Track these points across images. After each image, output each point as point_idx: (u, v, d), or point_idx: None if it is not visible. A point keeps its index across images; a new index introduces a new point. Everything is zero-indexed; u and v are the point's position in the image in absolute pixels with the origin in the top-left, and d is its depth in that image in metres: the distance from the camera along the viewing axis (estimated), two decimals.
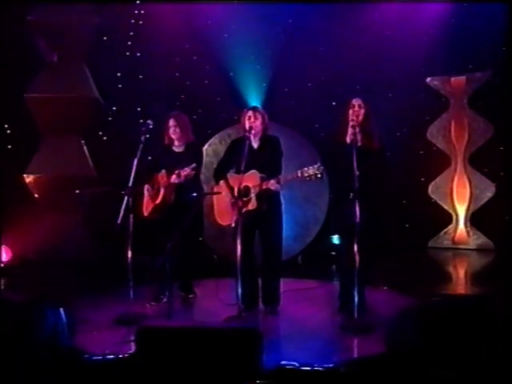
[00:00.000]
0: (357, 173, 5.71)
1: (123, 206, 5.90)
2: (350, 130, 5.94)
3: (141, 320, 5.84)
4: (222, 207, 6.24)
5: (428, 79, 9.90)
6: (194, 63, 9.78)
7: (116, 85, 9.36)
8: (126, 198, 5.93)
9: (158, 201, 6.54)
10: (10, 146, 8.77)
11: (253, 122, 6.19)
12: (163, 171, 6.54)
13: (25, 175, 8.42)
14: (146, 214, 6.66)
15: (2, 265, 8.21)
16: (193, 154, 6.60)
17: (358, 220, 5.64)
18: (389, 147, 9.65)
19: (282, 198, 6.41)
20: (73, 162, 8.43)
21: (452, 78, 9.79)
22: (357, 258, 5.71)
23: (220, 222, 6.26)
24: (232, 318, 5.84)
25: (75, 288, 7.07)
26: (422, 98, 9.81)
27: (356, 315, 5.70)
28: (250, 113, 6.24)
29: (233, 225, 5.78)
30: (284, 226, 6.45)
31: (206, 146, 8.65)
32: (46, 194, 8.49)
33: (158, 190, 6.55)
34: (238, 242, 5.80)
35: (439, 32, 9.34)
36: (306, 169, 5.74)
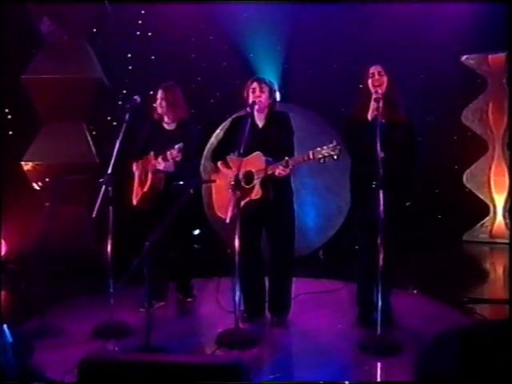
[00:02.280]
0: (381, 155, 4.26)
1: (100, 197, 4.51)
2: (372, 105, 4.48)
3: (120, 332, 4.51)
4: (221, 197, 4.81)
5: (463, 58, 8.23)
6: (211, 44, 8.28)
7: (126, 67, 7.93)
8: (103, 187, 4.54)
9: (145, 188, 5.16)
10: (10, 132, 7.43)
11: (257, 96, 4.74)
12: (151, 153, 5.14)
13: (23, 163, 7.06)
14: (135, 202, 5.26)
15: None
16: (184, 132, 5.19)
17: (382, 214, 4.15)
18: (420, 132, 8.24)
19: (292, 186, 4.93)
20: (74, 148, 7.04)
21: (490, 56, 8.11)
22: (381, 257, 4.26)
23: (220, 215, 4.80)
24: (227, 333, 4.41)
25: (63, 289, 5.76)
26: (457, 78, 8.13)
27: (379, 330, 4.21)
28: (255, 84, 4.80)
29: (227, 220, 4.30)
30: (295, 218, 4.98)
31: (217, 131, 7.21)
32: (45, 183, 7.11)
33: (146, 176, 5.14)
34: (236, 238, 4.36)
35: (474, 5, 7.70)
36: (318, 149, 4.32)
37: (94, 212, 4.50)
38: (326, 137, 7.00)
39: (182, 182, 4.72)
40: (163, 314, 5.14)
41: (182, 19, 7.83)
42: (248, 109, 4.63)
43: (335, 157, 4.26)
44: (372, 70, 4.65)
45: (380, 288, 4.32)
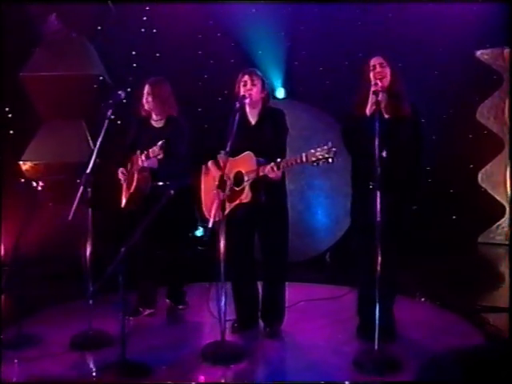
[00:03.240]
0: (383, 154, 3.77)
1: (77, 198, 4.06)
2: (371, 98, 3.96)
3: (100, 343, 4.06)
4: (209, 198, 4.31)
5: (478, 52, 7.66)
6: (218, 41, 7.79)
7: (130, 64, 7.48)
8: (81, 187, 4.09)
9: (132, 189, 4.69)
10: (11, 132, 7.02)
11: (249, 90, 4.26)
12: (138, 152, 4.67)
13: (21, 162, 6.66)
14: (123, 204, 4.81)
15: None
16: (173, 129, 4.72)
17: (378, 218, 3.63)
18: (434, 130, 7.73)
19: (286, 188, 4.44)
20: (73, 147, 6.61)
21: (505, 50, 7.54)
22: (379, 263, 3.77)
23: (208, 217, 4.28)
24: (212, 346, 3.92)
25: (53, 293, 5.35)
26: (471, 74, 7.55)
27: (377, 344, 3.69)
28: (246, 77, 4.32)
29: (209, 224, 3.81)
30: (289, 223, 4.44)
31: None
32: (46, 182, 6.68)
33: (133, 176, 4.68)
34: (221, 242, 3.88)
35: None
36: (312, 151, 3.82)
37: (71, 214, 4.04)
38: (333, 135, 6.53)
39: (161, 183, 4.27)
40: (150, 322, 4.68)
41: (188, 16, 7.39)
42: (237, 103, 4.12)
43: (330, 160, 3.75)
44: (373, 61, 4.13)
45: (379, 297, 3.81)
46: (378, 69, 4.08)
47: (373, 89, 3.96)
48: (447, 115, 7.76)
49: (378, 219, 3.64)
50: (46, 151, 6.68)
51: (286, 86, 7.36)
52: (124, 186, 4.81)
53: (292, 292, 5.09)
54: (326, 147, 3.75)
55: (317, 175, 6.67)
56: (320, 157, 3.76)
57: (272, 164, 3.96)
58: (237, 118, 4.02)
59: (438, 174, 7.61)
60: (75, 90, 6.64)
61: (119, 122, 7.19)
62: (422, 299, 5.20)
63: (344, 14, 7.55)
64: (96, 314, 4.24)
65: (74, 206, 4.07)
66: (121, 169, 4.79)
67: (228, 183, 4.22)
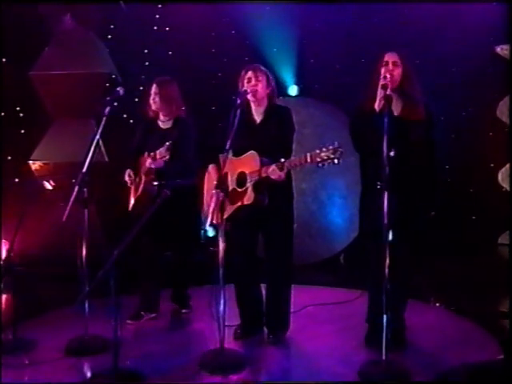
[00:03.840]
0: (391, 153, 3.46)
1: (72, 198, 3.85)
2: (379, 93, 3.66)
3: (96, 348, 3.84)
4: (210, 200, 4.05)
5: (497, 48, 7.24)
6: (232, 38, 7.50)
7: (142, 62, 7.24)
8: (76, 188, 3.87)
9: (139, 192, 4.45)
10: (23, 131, 6.85)
11: (253, 86, 4.00)
12: (146, 153, 4.43)
13: (30, 162, 6.47)
14: (130, 207, 4.58)
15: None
16: (181, 130, 4.48)
17: (386, 220, 3.34)
18: (453, 129, 7.39)
19: (293, 189, 4.17)
20: (83, 146, 6.36)
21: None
22: (386, 268, 3.48)
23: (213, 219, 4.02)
24: (211, 354, 3.67)
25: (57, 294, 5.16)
26: (491, 70, 7.16)
27: (384, 354, 3.41)
28: (250, 73, 4.07)
29: (206, 226, 3.55)
30: (298, 224, 4.24)
31: None
32: (57, 182, 6.49)
33: (140, 178, 4.45)
34: (220, 245, 3.63)
35: None
36: (317, 151, 3.55)
37: (65, 215, 3.82)
38: (347, 132, 6.26)
39: (156, 183, 4.04)
40: (152, 327, 4.44)
41: (201, 13, 7.11)
42: (238, 99, 3.86)
43: (336, 161, 3.47)
44: (387, 57, 3.85)
45: (388, 303, 3.53)
46: (391, 66, 3.80)
47: (381, 82, 3.67)
48: (466, 113, 7.41)
49: (385, 221, 3.34)
50: (56, 151, 6.48)
51: (299, 83, 7.05)
52: (132, 189, 4.59)
53: (300, 296, 4.84)
54: (331, 147, 3.48)
55: (331, 174, 6.38)
56: (325, 157, 3.48)
57: (274, 165, 3.70)
58: (238, 114, 3.76)
59: (457, 174, 7.27)
60: (85, 89, 6.42)
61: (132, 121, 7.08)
62: (437, 304, 4.89)
63: (360, 11, 7.24)
64: (95, 317, 4.01)
65: (69, 206, 3.84)
66: (128, 171, 4.57)
67: (230, 184, 3.98)
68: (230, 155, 3.93)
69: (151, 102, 4.55)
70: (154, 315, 4.55)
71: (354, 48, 7.13)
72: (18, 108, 6.88)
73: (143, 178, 4.43)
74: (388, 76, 3.71)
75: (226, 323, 4.12)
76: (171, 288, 4.76)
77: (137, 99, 7.17)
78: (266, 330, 4.15)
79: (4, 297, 5.52)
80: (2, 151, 6.55)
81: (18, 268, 6.18)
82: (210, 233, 6.72)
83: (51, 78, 6.45)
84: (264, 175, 3.75)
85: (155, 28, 7.35)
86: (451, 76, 7.09)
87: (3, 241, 6.33)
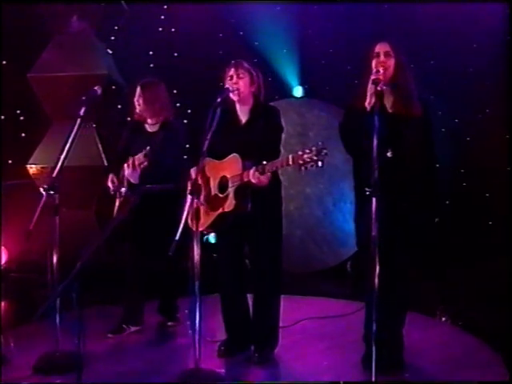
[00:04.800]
0: (388, 154, 3.22)
1: (40, 204, 3.49)
2: (369, 88, 3.23)
3: (66, 366, 3.45)
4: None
5: None
6: (240, 40, 7.10)
7: (147, 64, 6.88)
8: (44, 193, 3.52)
9: (121, 198, 4.06)
10: (23, 135, 6.54)
11: (235, 84, 3.57)
12: (130, 158, 4.06)
13: (28, 166, 6.15)
14: (114, 214, 4.21)
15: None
16: (166, 134, 4.10)
17: (374, 231, 2.89)
18: (468, 132, 6.88)
19: (282, 194, 3.73)
20: (81, 150, 6.01)
21: None
22: (375, 276, 3.02)
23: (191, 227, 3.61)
24: (186, 374, 3.27)
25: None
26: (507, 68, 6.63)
27: (374, 376, 2.97)
28: (232, 71, 3.64)
29: (176, 237, 3.12)
30: (283, 234, 3.72)
31: None
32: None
33: (122, 184, 4.07)
34: (196, 253, 3.22)
35: None
36: (300, 153, 3.12)
37: (32, 223, 3.46)
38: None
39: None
40: (134, 341, 4.05)
41: (208, 14, 6.75)
42: (218, 98, 3.44)
43: (319, 163, 3.05)
44: (377, 48, 3.40)
45: (384, 320, 3.14)
46: (382, 58, 3.35)
47: (373, 77, 3.23)
48: (482, 114, 6.88)
49: (374, 233, 2.89)
50: (54, 154, 6.13)
51: (304, 84, 6.62)
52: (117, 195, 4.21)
53: (299, 308, 4.46)
54: (314, 148, 3.05)
55: (337, 178, 5.95)
56: (307, 160, 3.06)
57: (254, 168, 3.28)
58: (217, 114, 3.35)
59: (472, 178, 6.76)
60: (81, 91, 6.07)
61: None
62: (443, 319, 4.41)
63: (368, 10, 6.78)
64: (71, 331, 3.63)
65: (37, 213, 3.48)
66: (110, 176, 4.19)
67: (213, 189, 3.58)
68: (210, 159, 3.55)
69: (136, 104, 4.17)
70: (137, 328, 4.16)
71: (362, 48, 6.67)
72: (18, 111, 6.59)
73: (125, 183, 4.05)
74: (381, 70, 3.27)
75: (216, 338, 3.79)
76: (158, 299, 4.37)
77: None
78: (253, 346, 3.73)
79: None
80: (1, 154, 6.23)
81: (14, 274, 5.98)
82: (212, 239, 6.33)
83: (49, 80, 6.13)
84: (246, 180, 3.35)
85: (160, 29, 7.00)
86: (466, 77, 6.60)
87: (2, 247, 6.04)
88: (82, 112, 3.75)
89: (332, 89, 6.52)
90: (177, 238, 3.04)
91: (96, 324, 4.08)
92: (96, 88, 3.86)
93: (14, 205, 5.89)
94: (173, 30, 7.01)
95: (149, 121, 4.21)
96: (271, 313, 3.68)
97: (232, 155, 3.48)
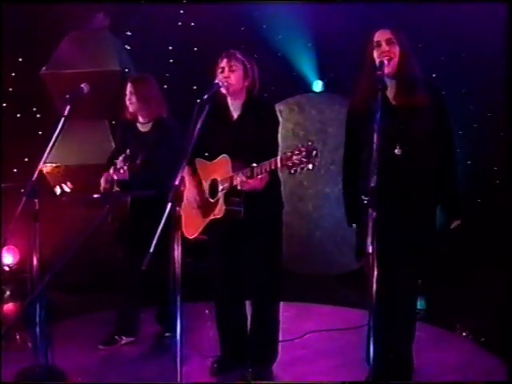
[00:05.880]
0: (396, 151, 2.90)
1: (18, 210, 3.17)
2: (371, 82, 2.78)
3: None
4: (187, 212, 3.27)
5: None
6: (263, 33, 6.66)
7: (167, 60, 6.53)
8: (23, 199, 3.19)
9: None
10: (40, 132, 6.28)
11: (226, 77, 3.16)
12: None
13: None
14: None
15: (7, 268, 5.76)
16: (159, 133, 3.73)
17: (369, 248, 2.43)
18: (501, 127, 6.27)
19: (282, 197, 3.30)
20: (95, 148, 5.74)
21: None
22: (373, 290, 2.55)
23: (186, 235, 3.23)
24: None
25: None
26: None
27: None
28: (224, 62, 3.23)
29: (151, 249, 2.71)
30: (283, 242, 3.29)
31: None
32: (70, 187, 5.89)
33: (112, 189, 3.74)
34: (176, 259, 2.82)
35: None
36: (288, 154, 2.71)
37: (8, 231, 3.14)
38: None
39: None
40: (126, 354, 3.70)
41: (229, 8, 6.35)
42: (207, 93, 3.03)
43: (310, 166, 2.62)
44: (377, 36, 2.95)
45: (387, 341, 2.74)
46: (385, 46, 2.89)
47: (378, 72, 2.77)
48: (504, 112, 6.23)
49: (369, 250, 2.43)
50: (67, 152, 5.86)
51: (323, 78, 6.15)
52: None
53: (306, 317, 4.07)
54: (304, 149, 2.62)
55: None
56: (297, 162, 2.64)
57: (241, 173, 2.87)
58: (205, 111, 2.94)
59: (498, 177, 6.18)
60: (98, 88, 5.76)
61: None
62: (463, 334, 3.89)
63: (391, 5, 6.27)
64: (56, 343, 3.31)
65: (14, 218, 3.15)
66: (105, 175, 3.85)
67: (205, 193, 3.19)
68: (201, 159, 3.25)
69: (127, 103, 3.82)
70: (131, 339, 3.81)
71: None
72: (34, 109, 6.34)
73: (115, 188, 3.72)
74: (386, 61, 2.82)
75: (213, 353, 3.42)
76: (156, 307, 4.01)
77: None
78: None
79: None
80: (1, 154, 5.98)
81: (25, 275, 5.71)
82: None
83: (61, 77, 5.82)
84: (236, 184, 2.94)
85: (179, 24, 6.63)
86: (498, 72, 6.01)
87: (12, 247, 5.80)
88: (66, 111, 3.38)
89: (354, 83, 6.04)
90: (151, 250, 2.65)
91: (90, 333, 3.77)
92: (83, 86, 3.51)
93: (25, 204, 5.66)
94: (192, 24, 6.64)
95: (140, 119, 3.85)
96: (269, 324, 3.28)
97: (221, 156, 3.09)
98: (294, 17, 6.43)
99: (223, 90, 3.15)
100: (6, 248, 5.66)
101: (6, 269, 5.72)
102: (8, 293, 5.40)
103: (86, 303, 4.72)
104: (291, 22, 6.46)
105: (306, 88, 6.18)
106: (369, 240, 2.41)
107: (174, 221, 2.76)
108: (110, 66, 5.88)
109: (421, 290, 3.90)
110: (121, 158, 3.53)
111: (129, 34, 6.48)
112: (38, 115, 6.33)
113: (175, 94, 6.33)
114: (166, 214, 2.69)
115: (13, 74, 6.23)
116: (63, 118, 3.41)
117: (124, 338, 3.77)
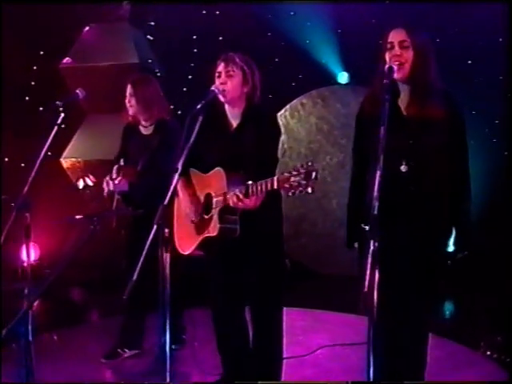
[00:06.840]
0: (402, 168, 2.54)
1: (8, 224, 2.94)
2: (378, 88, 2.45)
3: None
4: (178, 226, 3.01)
5: None
6: (290, 22, 6.29)
7: (191, 49, 6.24)
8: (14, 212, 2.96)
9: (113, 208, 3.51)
10: (63, 126, 6.10)
11: (222, 84, 2.84)
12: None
13: (62, 160, 5.73)
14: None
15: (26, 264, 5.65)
16: (162, 137, 3.48)
17: (365, 287, 2.10)
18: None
19: (282, 212, 3.00)
20: (116, 143, 5.51)
21: None
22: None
23: (180, 251, 2.98)
24: None
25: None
26: None
27: None
28: (221, 66, 2.91)
29: (134, 276, 2.45)
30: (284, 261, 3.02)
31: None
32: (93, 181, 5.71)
33: (113, 196, 3.50)
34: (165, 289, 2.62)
35: None
36: (286, 174, 2.40)
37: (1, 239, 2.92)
38: None
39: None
40: (128, 369, 3.48)
41: None
42: (200, 103, 2.72)
43: (309, 190, 2.32)
44: (391, 37, 2.56)
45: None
46: (397, 50, 2.52)
47: (384, 81, 2.41)
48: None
49: (365, 289, 2.11)
50: (87, 147, 5.69)
51: (349, 70, 5.76)
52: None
53: (321, 328, 3.75)
54: (303, 170, 2.31)
55: None
56: (295, 183, 2.33)
57: (233, 193, 2.59)
58: (199, 120, 2.64)
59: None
60: (117, 82, 5.54)
61: None
62: (488, 352, 3.52)
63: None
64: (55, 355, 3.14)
65: (4, 233, 2.91)
66: (107, 178, 3.63)
67: (200, 207, 2.92)
68: (195, 171, 2.96)
69: (127, 105, 3.58)
70: (135, 352, 3.60)
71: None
72: (58, 103, 6.15)
73: (116, 196, 3.52)
74: (395, 66, 2.46)
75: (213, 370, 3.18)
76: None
77: (185, 89, 6.33)
78: None
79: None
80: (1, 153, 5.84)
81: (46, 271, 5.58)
82: None
83: (80, 70, 5.64)
84: (230, 202, 2.65)
85: (204, 12, 6.32)
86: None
87: (32, 243, 5.67)
88: (59, 120, 3.14)
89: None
90: (134, 278, 2.40)
91: (92, 344, 3.58)
92: (78, 91, 3.27)
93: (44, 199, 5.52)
94: (217, 12, 6.31)
95: (143, 122, 3.61)
96: (270, 340, 2.98)
97: (216, 169, 2.80)
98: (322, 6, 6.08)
99: (220, 98, 2.84)
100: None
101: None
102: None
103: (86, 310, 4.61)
104: (320, 10, 6.10)
105: (331, 80, 5.83)
106: (367, 277, 2.10)
107: (163, 243, 2.50)
108: (129, 59, 5.68)
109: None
110: (114, 169, 3.29)
111: (151, 23, 6.26)
112: (60, 109, 6.16)
113: (199, 84, 6.09)
114: (151, 237, 2.43)
115: (34, 68, 6.10)
116: (56, 127, 3.14)
117: (127, 350, 3.57)
